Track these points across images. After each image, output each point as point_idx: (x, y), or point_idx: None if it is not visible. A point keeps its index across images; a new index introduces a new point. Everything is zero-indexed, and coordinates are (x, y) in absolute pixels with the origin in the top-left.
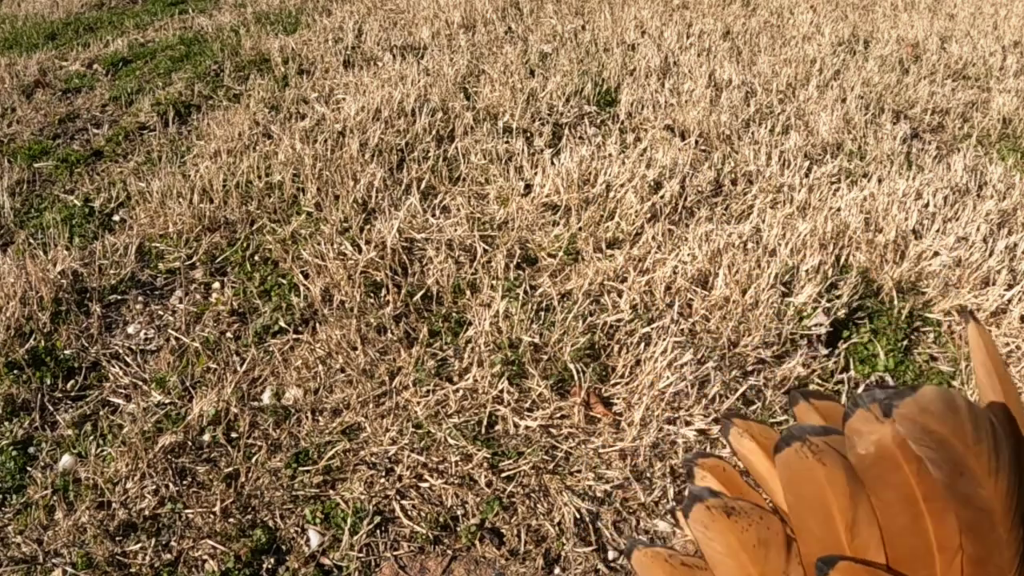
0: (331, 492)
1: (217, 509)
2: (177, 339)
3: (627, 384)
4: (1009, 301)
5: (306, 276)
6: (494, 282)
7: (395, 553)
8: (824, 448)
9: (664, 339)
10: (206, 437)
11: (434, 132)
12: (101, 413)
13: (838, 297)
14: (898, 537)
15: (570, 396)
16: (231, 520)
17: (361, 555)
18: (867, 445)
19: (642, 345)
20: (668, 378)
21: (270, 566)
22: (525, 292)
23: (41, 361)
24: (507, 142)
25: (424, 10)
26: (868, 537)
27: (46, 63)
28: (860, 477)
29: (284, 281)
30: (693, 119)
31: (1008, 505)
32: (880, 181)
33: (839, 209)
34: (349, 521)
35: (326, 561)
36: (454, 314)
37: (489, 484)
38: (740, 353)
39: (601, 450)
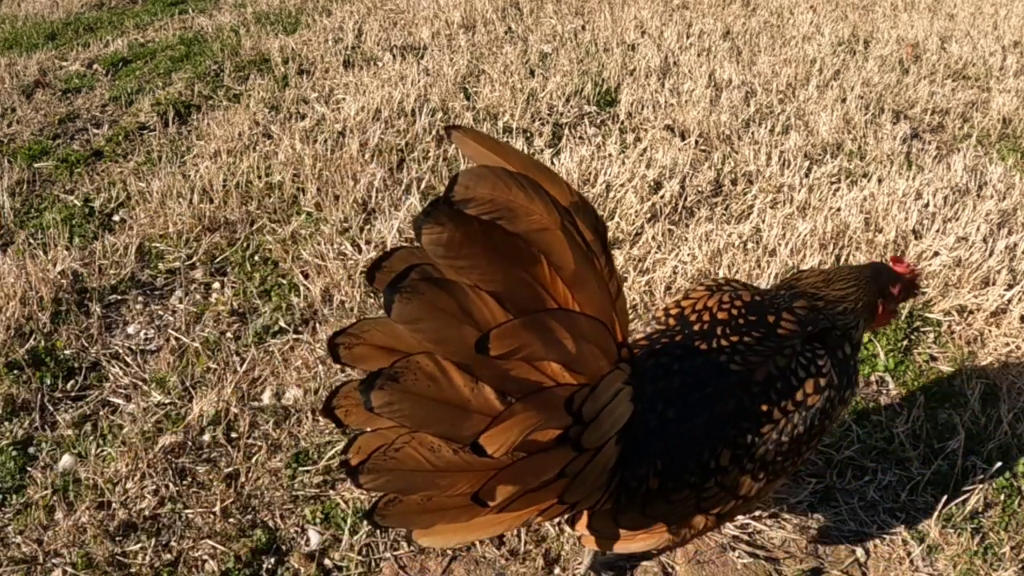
0: (331, 492)
1: (217, 509)
2: (177, 339)
3: None
4: (1009, 301)
5: (306, 276)
6: None
7: (395, 553)
8: (419, 285)
9: None
10: (206, 437)
11: (434, 132)
12: (101, 413)
13: None
14: (508, 292)
15: None
16: (231, 520)
17: (361, 555)
18: (441, 250)
19: None
20: None
21: (270, 566)
22: None
23: (41, 361)
24: (507, 142)
25: (424, 10)
26: (488, 314)
27: (46, 63)
28: (453, 278)
29: (284, 281)
30: (693, 119)
31: (557, 221)
32: (880, 181)
33: (839, 209)
34: (349, 521)
35: (326, 561)
36: None
37: None
38: None
39: None
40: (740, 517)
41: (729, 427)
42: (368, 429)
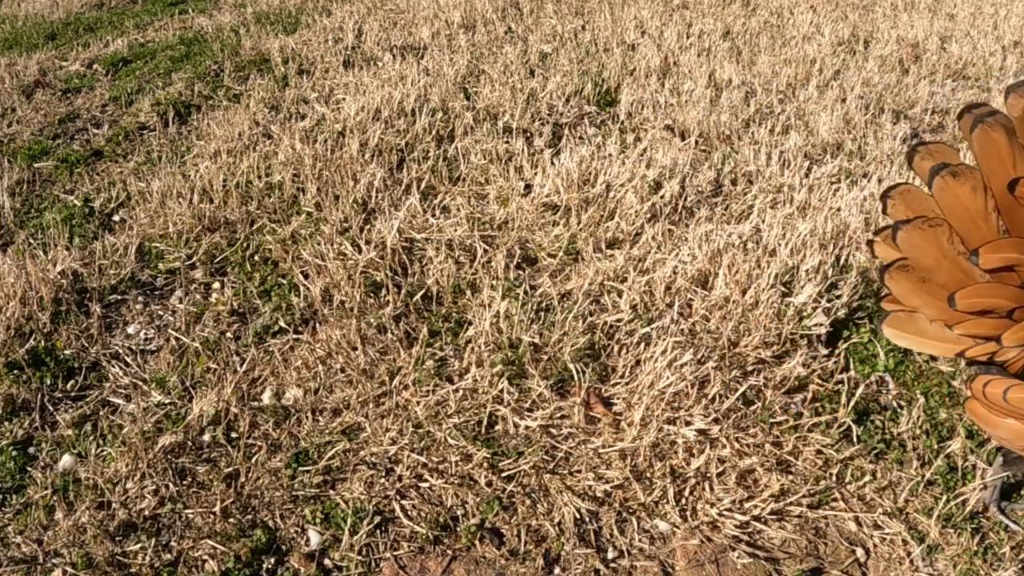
0: (331, 492)
1: (217, 509)
2: (177, 339)
3: (627, 384)
4: None
5: (306, 276)
6: (494, 282)
7: (395, 553)
8: (995, 122)
9: (664, 339)
10: (206, 437)
11: (434, 132)
12: (101, 413)
13: (838, 297)
14: None
15: (570, 396)
16: (231, 520)
17: (361, 555)
18: (1019, 110)
19: (642, 345)
20: (668, 378)
21: (270, 566)
22: (525, 292)
23: (41, 361)
24: (507, 142)
25: (424, 10)
26: (1023, 165)
27: (46, 63)
28: (1017, 132)
29: (284, 281)
30: (693, 119)
31: None
32: (880, 181)
33: (839, 209)
34: (349, 521)
35: (326, 561)
36: (454, 314)
37: (489, 484)
38: (740, 353)
39: (601, 450)
40: (740, 516)
41: None
42: (898, 220)
